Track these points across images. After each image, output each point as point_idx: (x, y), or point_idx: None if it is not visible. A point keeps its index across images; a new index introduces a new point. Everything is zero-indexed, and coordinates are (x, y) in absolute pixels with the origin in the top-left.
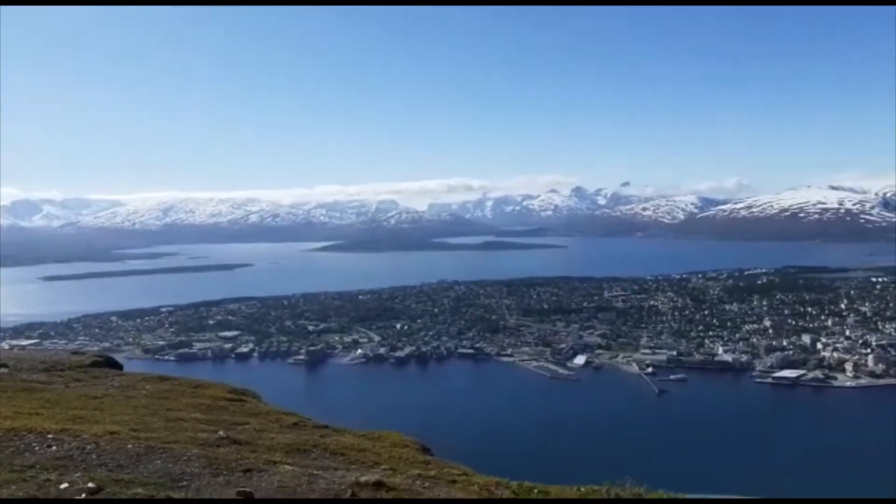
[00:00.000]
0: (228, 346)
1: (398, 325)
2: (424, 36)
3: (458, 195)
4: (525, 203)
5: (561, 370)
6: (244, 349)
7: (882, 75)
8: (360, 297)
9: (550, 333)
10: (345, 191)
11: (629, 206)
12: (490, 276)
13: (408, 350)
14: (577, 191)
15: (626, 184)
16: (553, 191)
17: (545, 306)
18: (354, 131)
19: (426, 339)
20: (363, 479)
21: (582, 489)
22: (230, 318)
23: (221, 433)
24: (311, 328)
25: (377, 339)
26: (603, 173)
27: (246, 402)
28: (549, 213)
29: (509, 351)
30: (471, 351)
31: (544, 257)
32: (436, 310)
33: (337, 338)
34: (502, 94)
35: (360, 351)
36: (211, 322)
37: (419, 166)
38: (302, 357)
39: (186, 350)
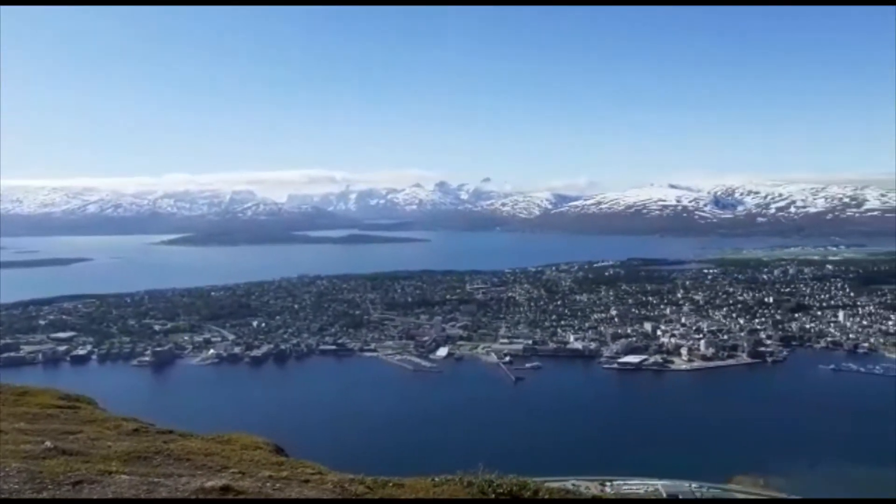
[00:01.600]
0: (63, 348)
1: (255, 323)
2: (284, 20)
3: (321, 187)
4: (390, 196)
5: (424, 362)
6: (81, 351)
7: (719, 82)
8: (213, 293)
9: (414, 327)
10: (195, 180)
11: (490, 202)
12: (354, 270)
13: (265, 348)
14: (441, 185)
15: (486, 180)
16: (417, 185)
17: (409, 300)
18: (206, 116)
19: (285, 336)
20: (209, 484)
21: (436, 479)
22: (65, 317)
23: (48, 444)
24: (157, 327)
25: (232, 337)
26: (466, 169)
27: (80, 409)
28: (414, 206)
29: (373, 345)
30: (333, 347)
31: (408, 251)
32: (296, 306)
33: (187, 337)
34: (367, 85)
35: (212, 351)
36: (42, 322)
37: (278, 156)
38: (147, 359)
39: (12, 354)
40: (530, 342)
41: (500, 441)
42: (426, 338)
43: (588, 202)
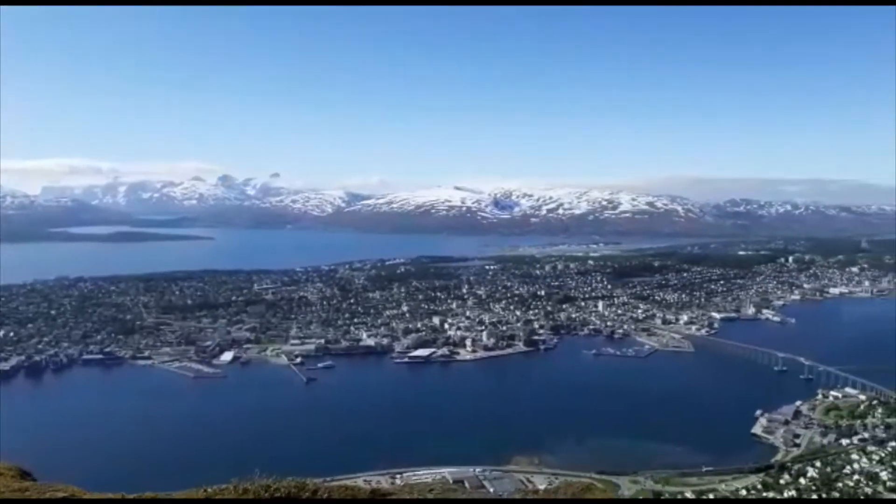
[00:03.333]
0: None
1: (0, 333)
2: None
3: (83, 178)
4: (166, 190)
5: (206, 368)
6: None
7: (498, 92)
8: None
9: (195, 331)
10: None
11: (279, 198)
12: (124, 270)
13: (14, 361)
14: (225, 179)
15: (275, 175)
16: (198, 178)
17: (189, 302)
18: None
19: (40, 346)
20: None
21: (209, 490)
22: None
23: None
24: None
25: None
26: (252, 163)
27: None
28: (194, 202)
29: (147, 353)
30: (100, 356)
31: (188, 249)
32: (53, 311)
33: None
34: (136, 65)
35: None
36: None
37: (30, 143)
38: None
39: None
40: (323, 342)
41: (289, 443)
42: (209, 342)
43: (380, 201)
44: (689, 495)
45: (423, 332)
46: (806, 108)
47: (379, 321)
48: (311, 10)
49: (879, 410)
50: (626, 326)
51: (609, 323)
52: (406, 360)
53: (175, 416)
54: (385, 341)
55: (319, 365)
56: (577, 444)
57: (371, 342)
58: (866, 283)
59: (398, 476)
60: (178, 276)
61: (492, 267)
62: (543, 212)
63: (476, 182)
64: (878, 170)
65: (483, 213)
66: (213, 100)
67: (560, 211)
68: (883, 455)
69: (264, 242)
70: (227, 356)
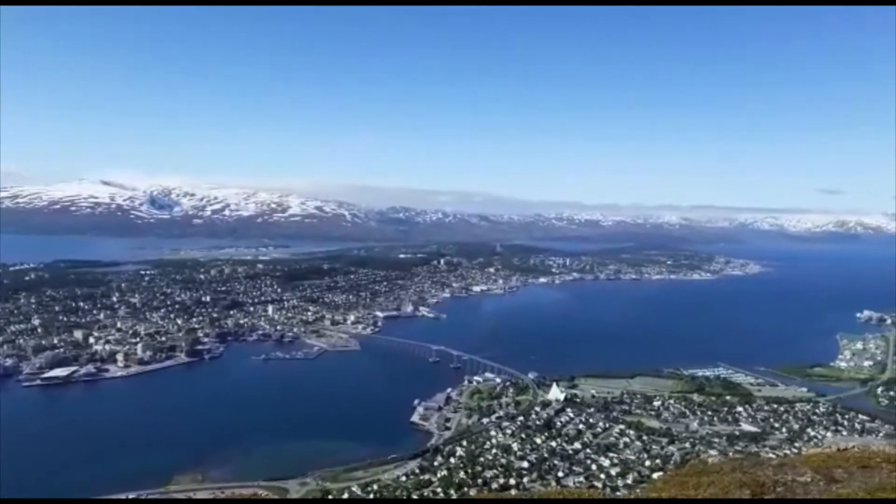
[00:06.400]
0: None
1: None
2: None
3: None
4: None
5: None
6: None
7: (144, 80)
8: None
9: None
10: None
11: None
12: None
13: None
14: None
15: None
16: None
17: None
18: None
19: None
20: None
21: None
22: None
23: None
24: None
25: None
26: None
27: None
28: None
29: None
30: None
31: None
32: None
33: None
34: None
35: None
36: None
37: None
38: None
39: None
40: None
41: None
42: None
43: (2, 195)
44: (355, 489)
45: (62, 349)
46: (455, 125)
47: (1, 338)
48: None
49: (511, 391)
50: (296, 329)
51: (279, 327)
52: (39, 382)
53: None
54: (9, 362)
55: None
56: (244, 455)
57: None
58: (500, 282)
59: None
60: None
61: (148, 272)
62: (208, 212)
63: (127, 177)
64: (508, 184)
65: (138, 213)
66: None
67: (226, 212)
68: (514, 429)
69: None
70: None
